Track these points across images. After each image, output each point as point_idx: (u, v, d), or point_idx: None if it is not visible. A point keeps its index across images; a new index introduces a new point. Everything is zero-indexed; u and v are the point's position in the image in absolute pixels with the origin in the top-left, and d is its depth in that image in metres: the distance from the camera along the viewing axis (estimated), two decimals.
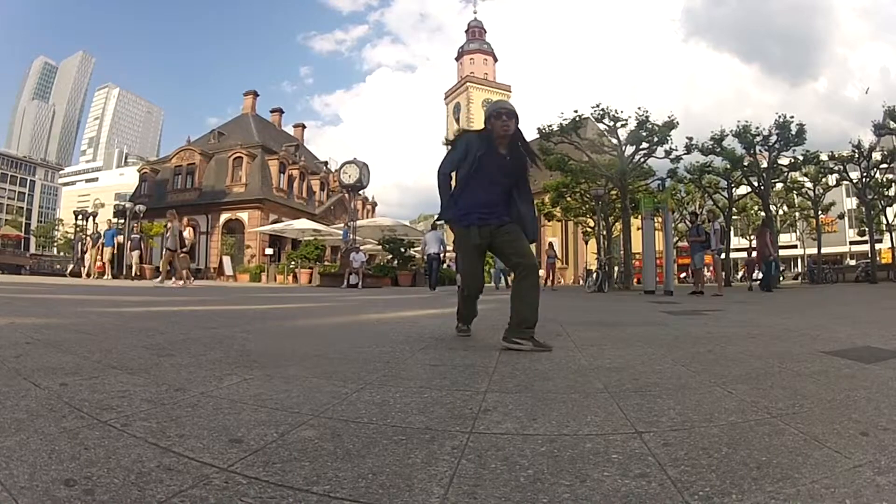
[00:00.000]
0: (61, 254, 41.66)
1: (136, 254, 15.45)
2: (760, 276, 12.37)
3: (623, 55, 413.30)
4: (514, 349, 2.43)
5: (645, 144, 17.96)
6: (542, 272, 17.47)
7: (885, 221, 24.95)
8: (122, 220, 20.35)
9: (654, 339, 2.98)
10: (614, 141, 18.59)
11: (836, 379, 1.81)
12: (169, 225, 11.28)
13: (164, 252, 11.61)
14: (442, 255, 13.67)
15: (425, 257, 13.58)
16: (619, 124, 18.11)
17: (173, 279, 11.16)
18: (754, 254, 16.39)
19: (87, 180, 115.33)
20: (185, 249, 11.20)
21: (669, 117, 17.79)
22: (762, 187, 18.63)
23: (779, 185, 23.51)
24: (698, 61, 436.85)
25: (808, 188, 25.54)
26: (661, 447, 1.10)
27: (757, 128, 18.08)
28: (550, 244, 18.87)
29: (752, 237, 35.59)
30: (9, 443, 1.04)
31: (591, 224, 24.10)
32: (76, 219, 22.37)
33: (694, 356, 2.32)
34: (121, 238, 16.66)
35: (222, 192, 29.24)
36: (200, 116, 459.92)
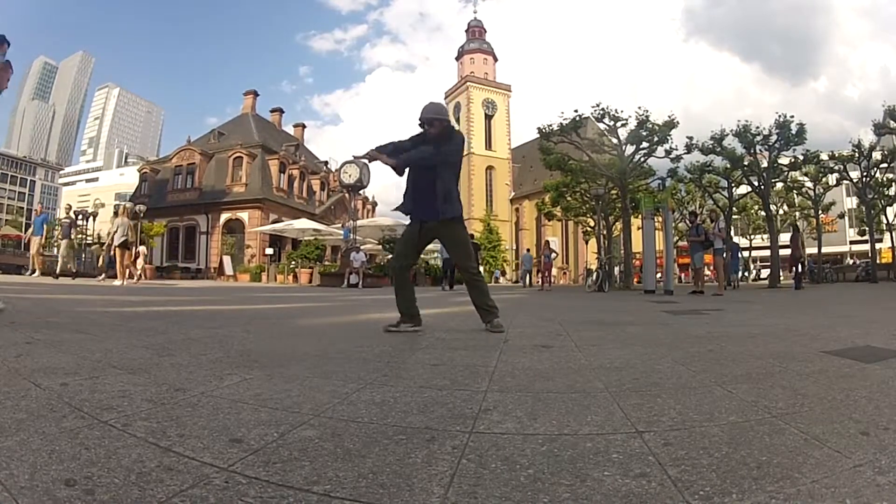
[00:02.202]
0: None
1: (64, 243, 13.03)
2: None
3: (623, 55, 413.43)
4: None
5: (645, 144, 17.95)
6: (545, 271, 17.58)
7: (885, 221, 24.95)
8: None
9: (655, 339, 2.97)
10: (614, 140, 18.58)
11: (837, 378, 1.81)
12: (119, 220, 10.49)
13: (112, 249, 10.72)
14: None
15: (442, 260, 15.44)
16: (619, 124, 18.10)
17: (129, 277, 10.67)
18: (728, 255, 16.54)
19: (88, 180, 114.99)
20: (119, 244, 10.42)
21: (669, 117, 17.78)
22: (762, 187, 18.59)
23: (779, 185, 23.47)
24: (698, 61, 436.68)
25: (809, 188, 25.53)
26: (661, 447, 1.09)
27: (757, 127, 18.03)
28: (546, 242, 18.87)
29: (751, 238, 35.66)
30: (9, 443, 1.04)
31: (592, 224, 24.11)
32: (76, 219, 22.34)
33: (694, 356, 2.32)
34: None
35: (222, 192, 29.24)
36: (200, 116, 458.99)
